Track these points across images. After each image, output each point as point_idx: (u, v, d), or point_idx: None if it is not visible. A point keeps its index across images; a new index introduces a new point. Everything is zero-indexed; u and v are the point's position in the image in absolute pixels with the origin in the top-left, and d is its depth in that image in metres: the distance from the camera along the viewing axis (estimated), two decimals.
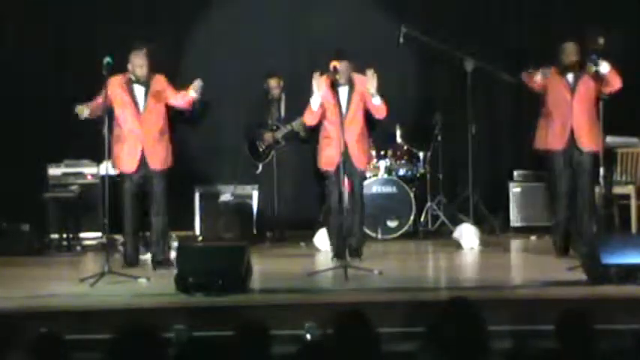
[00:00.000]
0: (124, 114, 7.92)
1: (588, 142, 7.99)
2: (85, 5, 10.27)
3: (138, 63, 7.94)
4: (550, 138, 8.07)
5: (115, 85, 7.88)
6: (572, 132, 7.98)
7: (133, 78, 7.96)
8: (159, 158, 8.03)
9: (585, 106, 8.01)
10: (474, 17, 10.40)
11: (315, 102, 8.06)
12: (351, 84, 8.13)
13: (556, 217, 8.19)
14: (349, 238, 8.09)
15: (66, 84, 10.07)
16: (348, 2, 10.44)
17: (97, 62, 7.63)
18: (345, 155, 7.87)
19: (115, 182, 8.27)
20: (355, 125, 8.13)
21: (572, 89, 8.02)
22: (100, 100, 7.74)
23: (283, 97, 9.70)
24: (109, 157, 7.72)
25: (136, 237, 8.25)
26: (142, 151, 7.96)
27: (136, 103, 7.95)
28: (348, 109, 8.08)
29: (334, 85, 8.05)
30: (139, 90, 7.98)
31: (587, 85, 8.01)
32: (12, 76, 10.15)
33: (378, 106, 8.06)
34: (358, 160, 8.15)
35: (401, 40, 9.84)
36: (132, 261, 8.05)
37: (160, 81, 8.09)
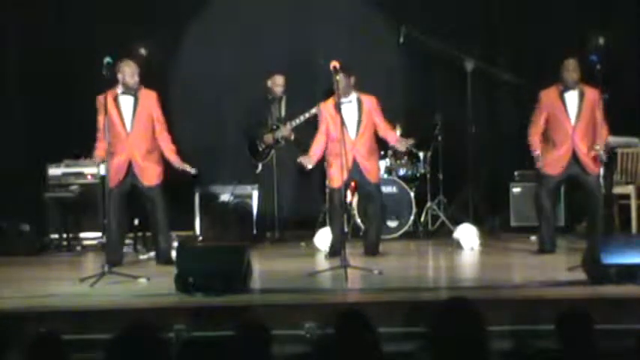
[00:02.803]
0: (113, 130, 7.79)
1: (593, 165, 8.10)
2: (85, 5, 10.27)
3: (129, 72, 7.88)
4: (550, 163, 8.15)
5: (102, 101, 7.81)
6: (575, 157, 8.06)
7: (121, 90, 7.90)
8: (150, 174, 7.99)
9: (586, 133, 8.09)
10: (474, 17, 10.40)
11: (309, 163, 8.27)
12: (359, 102, 8.17)
13: (541, 219, 8.31)
14: (367, 246, 8.45)
15: (66, 84, 10.07)
16: (349, 2, 10.44)
17: (97, 62, 7.63)
18: (356, 171, 8.07)
19: None
20: (365, 141, 8.22)
21: (575, 119, 8.05)
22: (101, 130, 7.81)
23: (284, 97, 9.69)
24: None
25: (121, 241, 8.23)
26: (130, 168, 7.93)
27: (123, 120, 7.88)
28: (359, 127, 8.17)
29: (338, 106, 8.00)
30: (127, 104, 7.90)
31: (588, 109, 8.06)
32: (12, 76, 10.15)
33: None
34: (370, 173, 8.29)
35: (401, 40, 9.85)
36: (115, 261, 7.85)
37: (150, 97, 8.02)
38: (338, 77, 7.91)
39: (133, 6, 10.29)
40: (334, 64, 7.99)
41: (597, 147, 7.99)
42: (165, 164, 8.13)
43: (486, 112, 10.34)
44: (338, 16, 10.40)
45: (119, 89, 7.92)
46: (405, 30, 9.83)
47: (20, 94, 10.15)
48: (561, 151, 8.12)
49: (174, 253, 7.82)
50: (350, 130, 8.16)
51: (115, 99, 7.89)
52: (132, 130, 7.93)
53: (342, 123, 7.78)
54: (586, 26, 9.62)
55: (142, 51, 10.03)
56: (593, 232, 8.13)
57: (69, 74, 10.12)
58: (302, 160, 8.28)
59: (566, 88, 8.10)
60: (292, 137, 9.52)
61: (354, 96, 8.23)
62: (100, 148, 7.92)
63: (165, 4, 10.53)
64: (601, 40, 9.33)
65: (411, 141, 8.71)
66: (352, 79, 8.17)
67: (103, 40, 9.44)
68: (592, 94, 8.07)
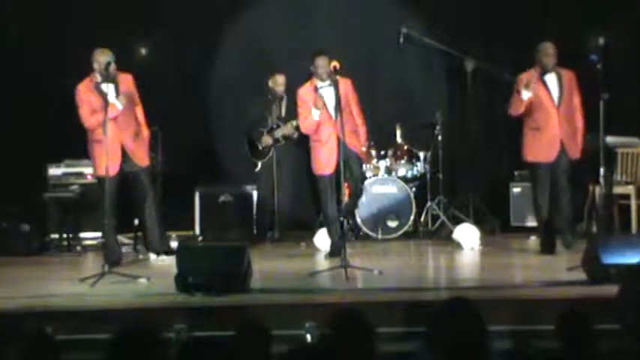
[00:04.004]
0: (99, 118, 7.78)
1: (574, 150, 8.19)
2: (85, 5, 10.26)
3: (105, 60, 7.86)
4: (541, 151, 8.18)
5: (84, 91, 7.85)
6: (560, 142, 8.10)
7: (100, 78, 7.90)
8: (141, 155, 8.05)
9: (570, 115, 8.16)
10: (474, 17, 10.39)
11: (316, 114, 8.18)
12: (335, 84, 8.17)
13: (541, 221, 8.35)
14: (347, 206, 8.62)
15: (66, 84, 10.06)
16: (349, 2, 10.44)
17: None
18: (344, 149, 7.94)
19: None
20: (345, 120, 8.18)
21: (557, 100, 8.09)
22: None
23: (285, 97, 9.69)
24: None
25: (115, 236, 8.25)
26: (123, 151, 7.94)
27: (109, 105, 7.81)
28: (338, 107, 8.14)
29: (317, 89, 8.14)
30: (110, 90, 7.88)
31: (569, 91, 8.12)
32: (12, 76, 10.14)
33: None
34: (354, 146, 8.27)
35: (401, 40, 9.85)
36: (115, 260, 7.93)
37: (127, 80, 8.05)
38: (339, 75, 7.97)
39: (133, 6, 10.28)
40: (334, 64, 8.02)
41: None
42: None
43: (486, 112, 10.33)
44: (338, 16, 10.39)
45: (97, 78, 7.90)
46: (405, 30, 9.83)
47: (20, 94, 10.14)
48: (549, 135, 8.12)
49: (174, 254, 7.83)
50: (330, 111, 8.18)
51: (96, 87, 7.88)
52: (120, 114, 7.91)
53: (324, 105, 7.94)
54: (586, 26, 9.62)
55: (142, 51, 10.04)
56: (558, 221, 8.25)
57: (69, 74, 10.10)
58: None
59: (545, 72, 8.13)
60: (295, 135, 9.50)
61: (330, 80, 8.18)
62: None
63: (165, 4, 10.52)
64: (601, 40, 9.32)
65: (370, 159, 9.12)
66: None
67: (103, 40, 9.43)
68: (569, 75, 8.16)
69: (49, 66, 10.21)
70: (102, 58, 7.87)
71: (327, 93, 8.21)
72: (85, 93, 7.87)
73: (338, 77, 8.13)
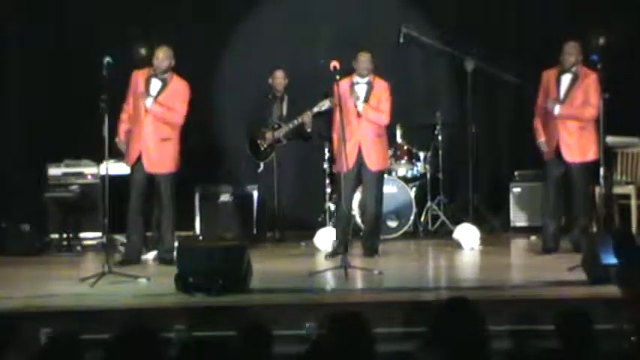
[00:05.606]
0: (136, 108, 8.01)
1: (573, 154, 8.11)
2: (85, 5, 10.26)
3: (160, 56, 8.04)
4: (547, 149, 8.15)
5: (138, 77, 8.05)
6: (558, 143, 8.07)
7: (153, 73, 8.06)
8: (157, 161, 8.03)
9: (573, 119, 8.06)
10: (474, 17, 10.39)
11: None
12: (370, 84, 8.17)
13: (545, 219, 8.37)
14: (363, 239, 8.48)
15: (66, 84, 10.07)
16: (349, 2, 10.43)
17: (97, 62, 7.63)
18: (358, 156, 8.04)
19: (115, 182, 8.22)
20: (370, 125, 8.16)
21: (562, 100, 8.06)
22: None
23: (286, 96, 9.68)
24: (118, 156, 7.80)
25: (139, 234, 8.24)
26: (140, 151, 7.99)
27: (146, 97, 7.98)
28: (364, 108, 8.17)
29: (353, 84, 8.13)
30: (155, 87, 8.03)
31: (582, 93, 8.04)
32: (12, 76, 10.14)
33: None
34: (371, 161, 8.24)
35: (401, 40, 9.86)
36: (132, 259, 8.03)
37: (179, 85, 8.13)
38: (338, 76, 7.93)
39: (133, 6, 10.27)
40: (334, 64, 8.01)
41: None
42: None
43: (486, 112, 10.33)
44: (338, 16, 10.39)
45: (153, 71, 8.08)
46: (405, 30, 9.83)
47: (20, 94, 10.14)
48: (549, 133, 8.13)
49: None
50: (358, 109, 8.19)
51: (147, 80, 8.05)
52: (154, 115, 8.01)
53: (355, 99, 7.99)
54: (586, 26, 9.62)
55: (142, 51, 10.03)
56: (578, 227, 8.19)
57: (69, 74, 10.11)
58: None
59: (563, 71, 8.13)
60: (309, 128, 9.46)
61: (368, 78, 8.29)
62: (122, 131, 8.10)
63: (165, 4, 10.51)
64: (601, 40, 9.32)
65: None
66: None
67: (103, 40, 9.43)
68: (587, 77, 8.08)
69: (49, 66, 10.20)
70: (159, 54, 8.07)
71: (360, 90, 8.20)
72: (136, 77, 8.06)
73: (377, 78, 8.28)
